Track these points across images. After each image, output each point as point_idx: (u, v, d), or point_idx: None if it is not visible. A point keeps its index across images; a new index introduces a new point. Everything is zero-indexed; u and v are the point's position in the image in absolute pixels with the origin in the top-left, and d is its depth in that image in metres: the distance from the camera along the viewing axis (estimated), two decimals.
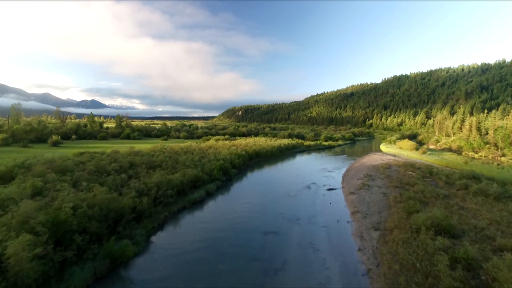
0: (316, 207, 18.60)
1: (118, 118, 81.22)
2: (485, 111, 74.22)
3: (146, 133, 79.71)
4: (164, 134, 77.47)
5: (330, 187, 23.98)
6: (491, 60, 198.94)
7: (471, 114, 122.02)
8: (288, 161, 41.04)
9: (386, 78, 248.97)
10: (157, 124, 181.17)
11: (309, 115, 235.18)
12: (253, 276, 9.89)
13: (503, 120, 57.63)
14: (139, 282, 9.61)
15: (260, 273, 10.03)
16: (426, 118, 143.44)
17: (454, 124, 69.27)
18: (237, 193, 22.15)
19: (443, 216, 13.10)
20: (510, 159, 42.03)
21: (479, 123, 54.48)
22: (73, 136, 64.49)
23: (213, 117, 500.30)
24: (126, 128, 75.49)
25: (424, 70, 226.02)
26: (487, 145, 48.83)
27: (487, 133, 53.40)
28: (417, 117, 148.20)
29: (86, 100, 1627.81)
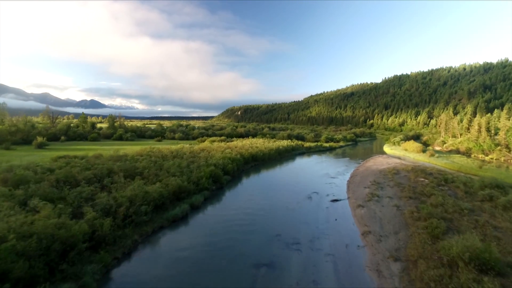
0: (319, 225, 15.70)
1: (111, 118, 78.19)
2: (495, 110, 71.37)
3: (140, 134, 76.70)
4: (158, 135, 74.52)
5: (334, 198, 21.05)
6: (492, 59, 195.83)
7: (475, 114, 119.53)
8: (287, 165, 38.13)
9: (387, 78, 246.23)
10: (155, 124, 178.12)
11: (308, 115, 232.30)
12: None
13: (509, 120, 54.93)
14: None
15: None
16: (428, 118, 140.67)
17: (459, 124, 66.59)
18: (227, 206, 19.21)
19: (484, 247, 10.20)
20: None
21: (488, 123, 51.63)
22: (63, 137, 61.50)
23: (212, 117, 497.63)
24: (119, 129, 72.49)
25: (425, 70, 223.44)
26: (498, 147, 45.99)
27: (496, 134, 50.64)
28: (419, 117, 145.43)
29: (86, 100, 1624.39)
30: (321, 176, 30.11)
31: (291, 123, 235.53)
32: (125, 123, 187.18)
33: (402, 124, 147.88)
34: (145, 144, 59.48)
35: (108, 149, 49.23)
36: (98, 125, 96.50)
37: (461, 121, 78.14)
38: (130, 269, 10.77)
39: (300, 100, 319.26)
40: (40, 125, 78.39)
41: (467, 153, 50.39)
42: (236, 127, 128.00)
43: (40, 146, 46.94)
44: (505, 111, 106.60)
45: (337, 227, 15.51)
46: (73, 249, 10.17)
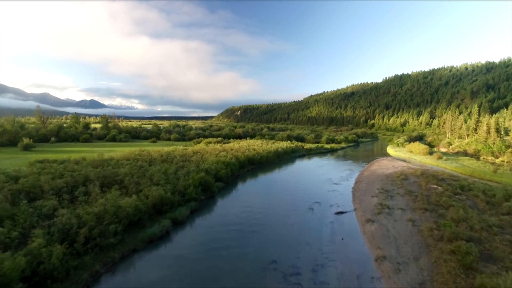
0: (322, 246, 13.23)
1: (104, 119, 75.69)
2: (504, 110, 68.84)
3: (134, 135, 74.21)
4: (153, 136, 72.04)
5: (339, 210, 18.55)
6: (493, 59, 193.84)
7: (478, 114, 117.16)
8: (286, 169, 35.68)
9: (387, 78, 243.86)
10: (152, 124, 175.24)
11: (308, 115, 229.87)
12: None
13: None
14: None
15: None
16: (430, 118, 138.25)
17: (463, 124, 64.10)
18: (216, 220, 16.70)
19: None
20: None
21: (497, 124, 49.19)
22: (53, 139, 59.08)
23: (212, 117, 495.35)
24: (112, 130, 69.97)
25: (426, 69, 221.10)
26: (510, 149, 43.53)
27: (507, 135, 48.22)
28: (421, 117, 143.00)
29: (86, 100, 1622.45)
30: (323, 182, 27.63)
31: (291, 123, 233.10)
32: (124, 123, 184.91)
33: (403, 124, 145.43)
34: (138, 146, 57.09)
35: (97, 151, 46.78)
36: (93, 125, 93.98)
37: (465, 121, 75.77)
38: None
39: (300, 100, 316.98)
40: (32, 125, 76.02)
41: (475, 155, 47.94)
42: (235, 127, 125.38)
43: (26, 148, 44.41)
44: (510, 111, 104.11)
45: (344, 249, 13.04)
46: None
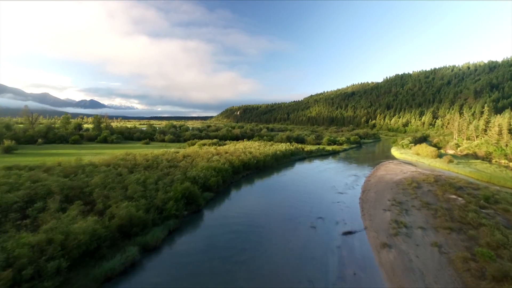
0: (330, 285, 10.25)
1: (96, 119, 72.63)
2: (509, 110, 65.98)
3: (127, 136, 71.20)
4: (147, 137, 69.05)
5: (347, 230, 15.54)
6: (494, 58, 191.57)
7: (482, 114, 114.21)
8: (285, 174, 32.70)
9: (388, 77, 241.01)
10: (152, 124, 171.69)
11: (308, 115, 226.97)
12: None
13: None
14: None
15: None
16: (433, 118, 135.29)
17: (469, 125, 61.11)
18: (196, 246, 13.62)
19: None
20: None
21: (510, 124, 46.22)
22: (40, 140, 56.08)
23: (211, 117, 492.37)
24: (104, 131, 66.96)
25: (427, 69, 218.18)
26: None
27: None
28: (423, 117, 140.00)
29: (85, 100, 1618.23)
30: (326, 190, 24.64)
31: (290, 123, 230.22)
32: (122, 123, 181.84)
33: (406, 125, 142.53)
34: (130, 148, 54.23)
35: (84, 153, 43.95)
36: (86, 126, 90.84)
37: (470, 122, 72.81)
38: None
39: (300, 100, 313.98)
40: (22, 125, 73.04)
41: (487, 158, 45.02)
42: (233, 127, 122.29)
43: (7, 151, 41.45)
44: None
45: None
46: None
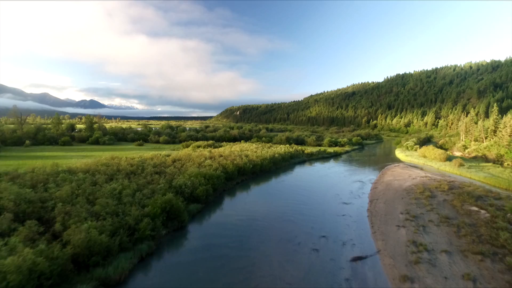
0: None
1: (88, 119, 70.07)
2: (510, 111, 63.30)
3: (121, 137, 68.65)
4: (141, 138, 66.46)
5: (357, 255, 12.92)
6: (496, 57, 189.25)
7: (486, 114, 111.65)
8: (284, 180, 30.17)
9: (389, 77, 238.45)
10: (151, 124, 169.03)
11: (308, 115, 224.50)
12: None
13: None
14: None
15: None
16: (436, 118, 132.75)
17: (473, 122, 58.42)
18: (173, 278, 11.04)
19: None
20: None
21: None
22: (27, 142, 53.57)
23: (211, 117, 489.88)
24: (96, 132, 64.40)
25: (429, 68, 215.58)
26: None
27: None
28: (426, 117, 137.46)
29: (85, 100, 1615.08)
30: (329, 200, 22.09)
31: (290, 123, 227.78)
32: (121, 124, 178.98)
33: (408, 125, 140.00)
34: (122, 150, 51.76)
35: (70, 156, 41.49)
36: (80, 126, 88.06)
37: (475, 122, 70.17)
38: None
39: (300, 100, 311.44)
40: (12, 126, 70.57)
41: (498, 161, 42.42)
42: (232, 128, 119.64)
43: None
44: None
45: None
46: None
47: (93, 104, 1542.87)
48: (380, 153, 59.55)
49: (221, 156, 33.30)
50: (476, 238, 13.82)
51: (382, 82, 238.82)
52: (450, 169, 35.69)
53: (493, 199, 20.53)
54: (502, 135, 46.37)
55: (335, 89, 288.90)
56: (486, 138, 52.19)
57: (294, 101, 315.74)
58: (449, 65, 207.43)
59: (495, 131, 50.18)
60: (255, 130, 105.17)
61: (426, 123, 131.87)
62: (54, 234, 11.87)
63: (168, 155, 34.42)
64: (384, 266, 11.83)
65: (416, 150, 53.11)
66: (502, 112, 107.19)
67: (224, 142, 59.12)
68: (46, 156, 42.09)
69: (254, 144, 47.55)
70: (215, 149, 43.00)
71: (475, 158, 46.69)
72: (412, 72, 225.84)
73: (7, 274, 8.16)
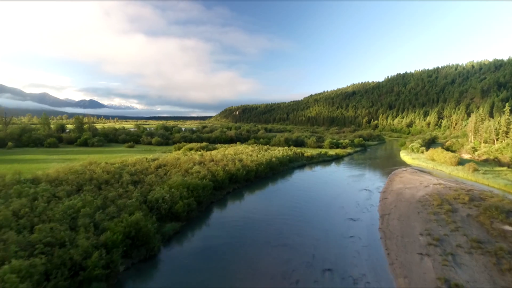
0: None
1: (78, 120, 66.84)
2: None
3: (111, 138, 65.45)
4: (133, 139, 63.29)
5: None
6: (500, 56, 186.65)
7: (491, 114, 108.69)
8: (281, 189, 27.06)
9: (389, 76, 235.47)
10: (148, 125, 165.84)
11: (308, 115, 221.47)
12: None
13: None
14: None
15: None
16: (438, 118, 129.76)
17: (478, 122, 55.28)
18: None
19: None
20: None
21: None
22: (10, 143, 50.52)
23: (210, 117, 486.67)
24: (85, 133, 61.22)
25: (430, 68, 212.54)
26: None
27: None
28: (428, 117, 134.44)
29: (85, 100, 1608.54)
30: (333, 215, 18.97)
31: (290, 123, 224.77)
32: (119, 124, 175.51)
33: (410, 125, 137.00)
34: (110, 152, 48.79)
35: (51, 160, 38.47)
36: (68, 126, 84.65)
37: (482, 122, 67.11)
38: None
39: (299, 99, 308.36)
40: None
41: None
42: (230, 128, 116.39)
43: None
44: None
45: None
46: None
47: (93, 104, 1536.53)
48: (384, 155, 56.45)
49: (212, 161, 30.17)
50: None
51: (382, 81, 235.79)
52: (464, 175, 32.61)
53: None
54: None
55: (335, 88, 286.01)
56: (497, 139, 49.14)
57: (293, 101, 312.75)
58: (450, 64, 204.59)
59: (507, 132, 47.14)
60: (253, 130, 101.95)
61: (428, 123, 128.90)
62: None
63: (155, 160, 31.28)
64: None
65: (422, 152, 50.03)
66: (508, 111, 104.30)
67: (219, 144, 56.02)
68: (25, 159, 39.07)
69: (250, 147, 44.41)
70: (207, 152, 39.89)
71: (486, 161, 43.66)
72: (413, 71, 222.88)
73: None
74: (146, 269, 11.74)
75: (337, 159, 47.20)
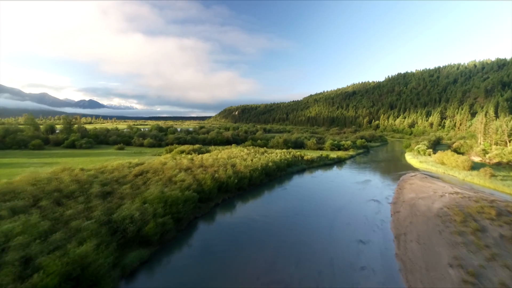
0: None
1: (66, 120, 63.68)
2: None
3: (101, 140, 62.25)
4: (124, 140, 60.20)
5: None
6: (502, 55, 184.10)
7: (496, 114, 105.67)
8: (277, 199, 23.98)
9: (390, 76, 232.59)
10: (146, 125, 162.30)
11: (308, 115, 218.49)
12: None
13: None
14: None
15: None
16: (441, 118, 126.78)
17: (485, 124, 52.20)
18: None
19: None
20: None
21: None
22: None
23: (210, 117, 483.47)
24: (73, 134, 58.11)
25: (431, 67, 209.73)
26: None
27: None
28: (430, 117, 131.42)
29: (84, 100, 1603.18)
30: (338, 234, 15.90)
31: (289, 123, 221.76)
32: (116, 124, 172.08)
33: (412, 125, 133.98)
34: (98, 154, 45.73)
35: (29, 164, 35.25)
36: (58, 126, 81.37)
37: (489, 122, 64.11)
38: None
39: (299, 99, 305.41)
40: None
41: None
42: (228, 129, 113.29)
43: None
44: None
45: None
46: None
47: (92, 104, 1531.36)
48: (388, 157, 53.40)
49: (201, 166, 27.09)
50: None
51: (383, 81, 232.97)
52: (480, 181, 29.55)
53: None
54: None
55: (335, 88, 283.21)
56: (510, 141, 46.11)
57: (293, 101, 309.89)
58: (452, 64, 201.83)
59: None
60: (252, 131, 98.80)
61: (431, 124, 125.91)
62: None
63: (139, 165, 28.23)
64: None
65: (429, 154, 46.99)
66: None
67: (213, 146, 52.95)
68: (1, 163, 36.01)
69: (245, 150, 41.29)
70: (199, 155, 36.79)
71: (499, 165, 40.65)
72: (414, 71, 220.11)
73: None
74: None
75: (339, 162, 44.13)
